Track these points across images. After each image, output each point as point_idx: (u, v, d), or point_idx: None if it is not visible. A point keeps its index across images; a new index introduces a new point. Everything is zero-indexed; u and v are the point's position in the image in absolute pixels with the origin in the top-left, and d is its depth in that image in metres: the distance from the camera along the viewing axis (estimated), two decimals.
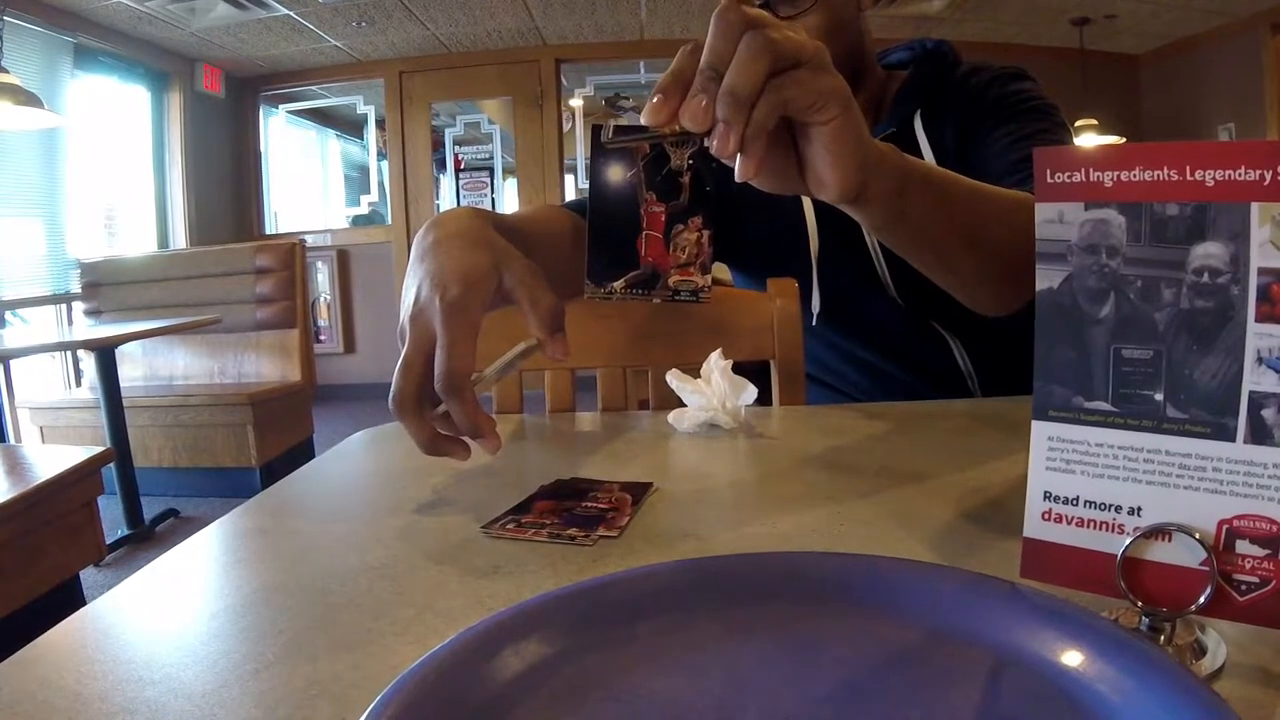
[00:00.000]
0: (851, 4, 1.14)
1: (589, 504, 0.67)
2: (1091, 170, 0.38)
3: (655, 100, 0.54)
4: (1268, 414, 0.35)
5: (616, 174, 0.59)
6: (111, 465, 3.09)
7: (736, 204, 1.24)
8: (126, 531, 3.47)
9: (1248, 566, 0.36)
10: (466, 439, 0.67)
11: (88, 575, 2.75)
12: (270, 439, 4.09)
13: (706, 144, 0.54)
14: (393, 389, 0.66)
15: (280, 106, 7.02)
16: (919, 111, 1.16)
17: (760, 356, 1.18)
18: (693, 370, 0.95)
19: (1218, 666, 0.38)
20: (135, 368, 4.38)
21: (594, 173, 0.59)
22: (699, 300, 0.57)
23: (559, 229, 1.01)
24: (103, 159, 5.50)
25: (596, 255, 0.60)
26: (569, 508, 0.67)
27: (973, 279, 0.82)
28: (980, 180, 1.09)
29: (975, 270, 0.82)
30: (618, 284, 0.59)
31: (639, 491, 0.70)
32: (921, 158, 1.14)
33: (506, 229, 0.78)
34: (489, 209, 0.80)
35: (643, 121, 0.55)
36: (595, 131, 0.58)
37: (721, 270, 1.36)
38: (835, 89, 0.56)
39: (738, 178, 0.56)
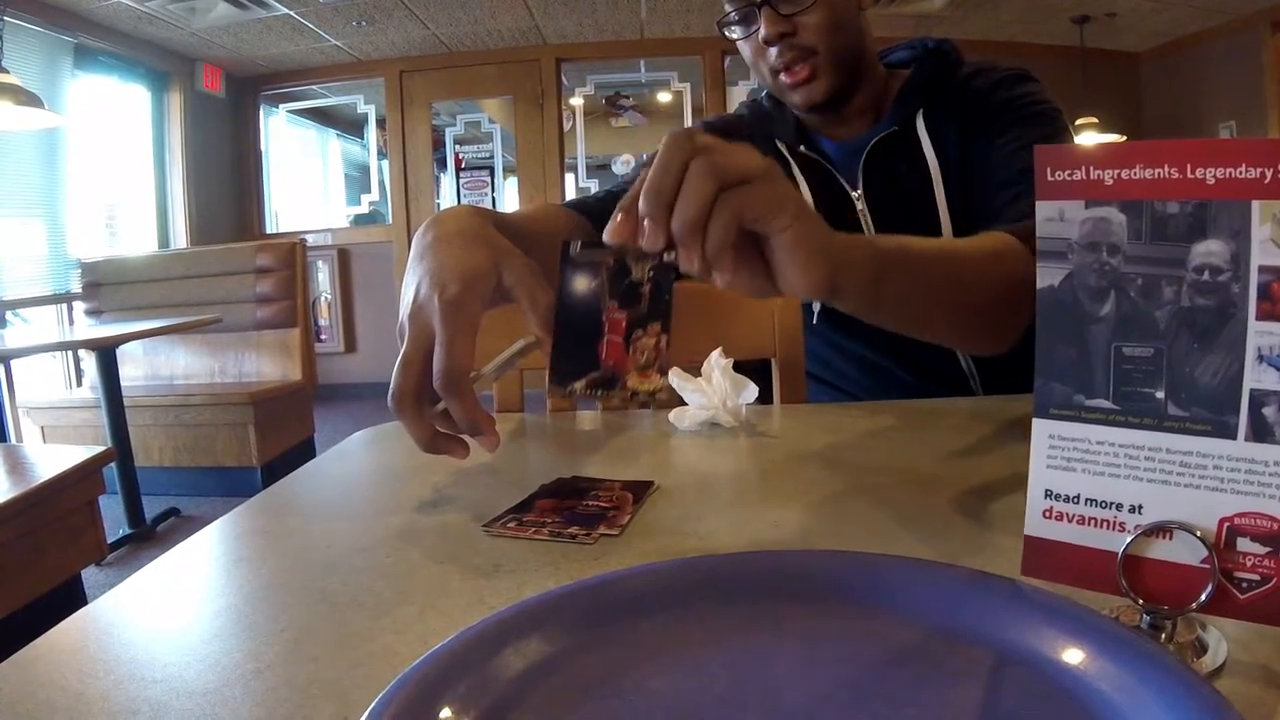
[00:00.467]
0: (852, 2, 1.14)
1: (590, 503, 0.67)
2: (1092, 168, 0.38)
3: (617, 219, 0.59)
4: (1268, 412, 0.35)
5: (582, 284, 0.63)
6: (113, 465, 3.08)
7: None
8: (128, 531, 3.47)
9: (1249, 564, 0.36)
10: (465, 437, 0.66)
11: (89, 575, 2.75)
12: (271, 438, 4.09)
13: (668, 259, 0.58)
14: (392, 386, 0.66)
15: (281, 106, 7.02)
16: (921, 111, 1.16)
17: (761, 355, 1.18)
18: (694, 369, 0.95)
19: (1219, 664, 0.38)
20: (136, 367, 4.38)
21: (562, 282, 0.64)
22: (654, 402, 0.61)
23: (559, 228, 1.01)
24: (103, 159, 5.49)
25: (561, 357, 0.63)
26: (570, 506, 0.67)
27: (959, 339, 0.86)
28: (985, 186, 1.09)
29: (962, 333, 0.85)
30: (579, 384, 0.62)
31: (640, 490, 0.70)
32: (924, 157, 1.14)
33: (507, 228, 0.78)
34: (489, 208, 0.81)
35: (605, 239, 0.60)
36: (565, 246, 0.63)
37: None
38: (785, 197, 0.59)
39: (719, 285, 0.59)
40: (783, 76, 1.13)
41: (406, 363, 0.65)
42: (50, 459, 2.38)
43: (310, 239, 6.36)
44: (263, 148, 6.92)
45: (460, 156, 6.90)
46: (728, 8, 1.14)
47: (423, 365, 0.65)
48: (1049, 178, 0.39)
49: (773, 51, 1.12)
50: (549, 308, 0.66)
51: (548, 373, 0.63)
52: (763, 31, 1.10)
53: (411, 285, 0.69)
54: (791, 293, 0.64)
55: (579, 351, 0.62)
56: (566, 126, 6.75)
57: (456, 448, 0.68)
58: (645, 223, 0.57)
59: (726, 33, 1.17)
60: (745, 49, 1.17)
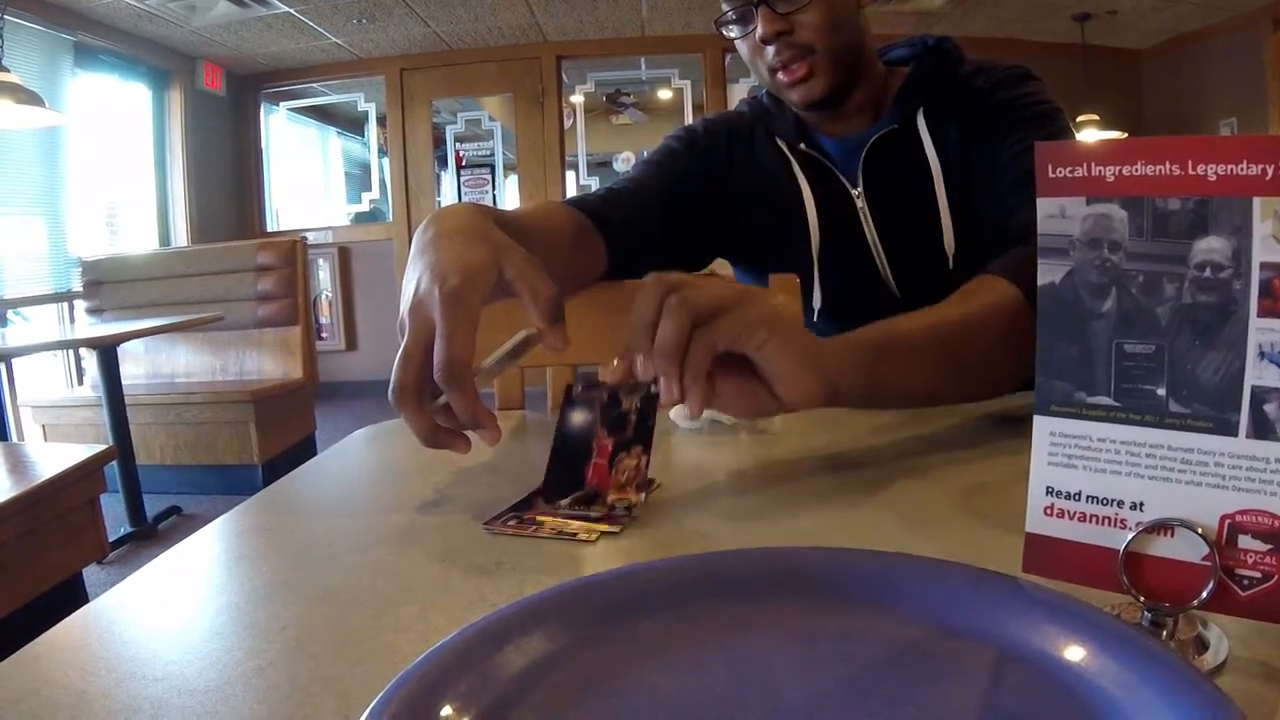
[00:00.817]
0: (850, 0, 1.14)
1: (591, 500, 0.67)
2: (1093, 165, 0.38)
3: (614, 363, 0.65)
4: (1270, 409, 0.35)
5: (579, 417, 0.73)
6: (114, 463, 3.09)
7: (739, 201, 1.24)
8: (129, 529, 3.47)
9: (1250, 561, 0.36)
10: (467, 431, 0.67)
11: (90, 573, 2.75)
12: (272, 436, 4.09)
13: (654, 390, 0.65)
14: (392, 380, 0.65)
15: (281, 104, 7.02)
16: (921, 109, 1.16)
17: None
18: None
19: (1220, 661, 0.38)
20: (137, 365, 4.38)
21: (562, 415, 0.74)
22: (631, 515, 0.65)
23: (559, 225, 1.01)
24: (104, 157, 5.50)
25: (552, 478, 0.70)
26: (571, 504, 0.67)
27: (966, 398, 0.89)
28: (988, 189, 1.09)
29: (968, 396, 0.88)
30: (564, 501, 0.67)
31: (641, 488, 0.70)
32: (924, 155, 1.14)
33: (507, 225, 0.78)
34: (490, 206, 0.81)
35: (602, 379, 0.70)
36: (568, 389, 0.75)
37: (724, 266, 1.36)
38: (758, 318, 0.64)
39: (691, 414, 0.64)
40: (780, 75, 1.13)
41: (407, 356, 0.65)
42: (51, 457, 2.38)
43: (311, 237, 6.36)
44: (263, 146, 6.92)
45: (461, 154, 6.91)
46: (725, 6, 1.14)
47: (423, 359, 0.64)
48: (1050, 174, 0.39)
49: (770, 50, 1.12)
50: (550, 300, 0.67)
51: (541, 486, 0.70)
52: (760, 30, 1.10)
53: (412, 280, 0.69)
54: (793, 405, 0.68)
55: (568, 475, 0.70)
56: (567, 124, 6.75)
57: (458, 442, 0.68)
58: (637, 358, 0.63)
59: (724, 32, 1.17)
60: (743, 48, 1.17)
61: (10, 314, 4.59)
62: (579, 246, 1.04)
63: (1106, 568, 0.39)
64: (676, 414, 0.93)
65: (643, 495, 0.66)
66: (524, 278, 0.68)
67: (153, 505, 3.67)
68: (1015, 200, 1.01)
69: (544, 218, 1.00)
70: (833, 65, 1.12)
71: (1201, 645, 0.39)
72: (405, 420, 0.66)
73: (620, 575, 0.46)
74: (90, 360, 4.12)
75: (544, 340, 0.67)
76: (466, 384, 0.63)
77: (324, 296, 6.78)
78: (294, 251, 4.35)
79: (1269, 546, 0.36)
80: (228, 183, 6.62)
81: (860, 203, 1.18)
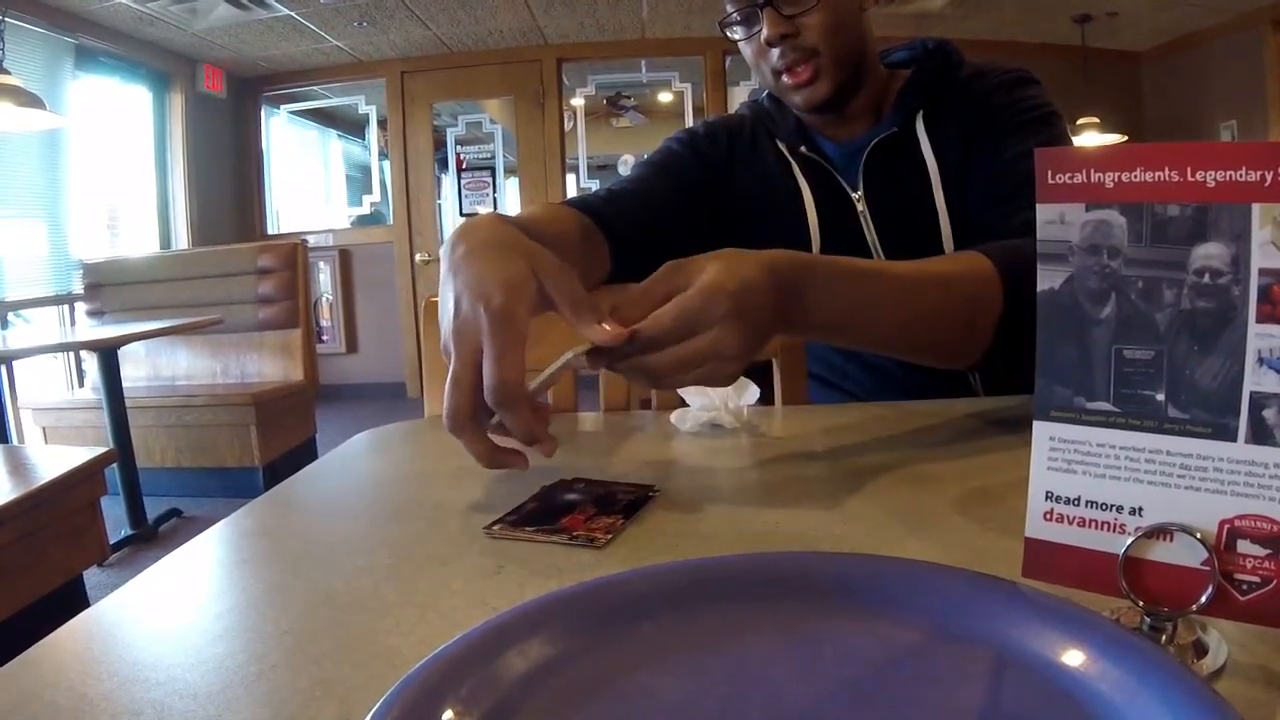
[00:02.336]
0: (854, 3, 1.14)
1: (591, 504, 0.67)
2: (1092, 171, 0.39)
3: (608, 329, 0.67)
4: (1269, 414, 0.35)
5: (569, 495, 0.71)
6: (114, 466, 3.09)
7: (739, 202, 1.24)
8: (130, 532, 3.47)
9: (1249, 566, 0.36)
10: (523, 446, 0.67)
11: (91, 575, 2.75)
12: (273, 439, 4.10)
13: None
14: (446, 406, 0.65)
15: (282, 107, 7.03)
16: (921, 113, 1.16)
17: (762, 355, 1.18)
18: None
19: (1219, 666, 0.38)
20: (138, 368, 4.38)
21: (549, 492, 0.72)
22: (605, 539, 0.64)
23: (568, 229, 1.01)
24: (105, 160, 5.50)
25: (525, 511, 0.68)
26: (571, 507, 0.67)
27: (910, 345, 0.88)
28: (986, 192, 1.09)
29: (912, 342, 0.87)
30: (530, 529, 0.64)
31: (641, 492, 0.70)
32: (922, 158, 1.14)
33: (525, 232, 0.78)
34: (505, 214, 0.82)
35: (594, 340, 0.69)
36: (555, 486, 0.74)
37: None
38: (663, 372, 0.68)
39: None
40: (785, 78, 1.13)
41: (457, 380, 0.65)
42: (52, 460, 2.38)
43: (311, 240, 6.37)
44: (264, 148, 6.93)
45: (461, 157, 6.91)
46: (729, 8, 1.14)
47: (474, 381, 0.64)
48: (1050, 180, 0.40)
49: (775, 52, 1.12)
50: (589, 306, 0.68)
51: (513, 512, 0.67)
52: (765, 33, 1.10)
53: (450, 300, 0.68)
54: (715, 286, 0.67)
55: (543, 514, 0.67)
56: (568, 127, 6.75)
57: (516, 460, 0.68)
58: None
59: (728, 33, 1.17)
60: (747, 49, 1.17)
61: (11, 316, 4.60)
62: (586, 249, 1.04)
63: (1106, 572, 0.39)
64: (677, 417, 0.93)
65: (610, 536, 0.62)
66: (561, 290, 0.68)
67: (153, 508, 3.67)
68: (1014, 205, 1.01)
69: (553, 221, 1.00)
70: (837, 68, 1.12)
71: (1200, 650, 0.39)
72: (464, 445, 0.66)
73: (622, 579, 0.46)
74: (91, 362, 4.12)
75: (590, 357, 0.68)
76: (521, 405, 0.63)
77: (324, 299, 6.78)
78: (295, 254, 4.36)
79: (1268, 551, 0.36)
80: (228, 185, 6.62)
81: (860, 206, 1.18)
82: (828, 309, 0.77)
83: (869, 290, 0.80)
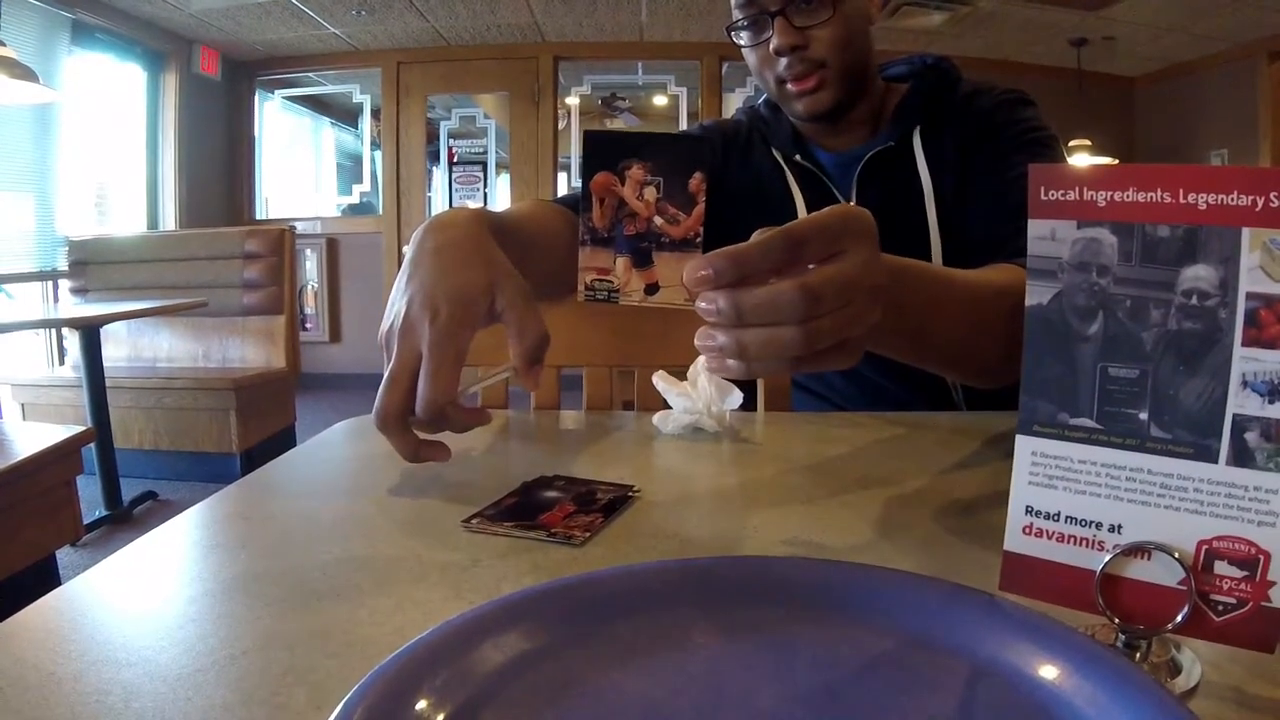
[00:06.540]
0: (863, 17, 1.14)
1: (571, 502, 0.67)
2: (1085, 189, 0.39)
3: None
4: (1250, 437, 0.36)
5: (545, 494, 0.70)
6: (92, 445, 3.07)
7: (732, 206, 1.24)
8: (104, 512, 3.44)
9: (1225, 587, 0.37)
10: (443, 438, 0.70)
11: (64, 555, 2.73)
12: (252, 425, 4.07)
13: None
14: (377, 404, 0.68)
15: (276, 92, 6.99)
16: (917, 128, 1.17)
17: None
18: (679, 373, 0.95)
19: (1192, 685, 0.38)
20: (119, 348, 4.35)
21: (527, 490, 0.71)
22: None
23: (554, 228, 1.01)
24: (96, 137, 5.46)
25: (501, 506, 0.67)
26: (550, 504, 0.67)
27: (980, 363, 0.84)
28: (981, 211, 1.09)
29: (983, 355, 0.83)
30: (509, 524, 0.63)
31: (621, 492, 0.70)
32: (917, 173, 1.15)
33: (505, 230, 0.78)
34: (487, 209, 0.81)
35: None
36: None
37: None
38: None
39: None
40: (790, 85, 1.13)
41: (393, 381, 0.67)
42: (29, 437, 2.37)
43: (299, 227, 6.31)
44: (256, 133, 6.89)
45: (454, 151, 6.89)
46: (738, 14, 1.14)
47: (409, 384, 0.67)
48: (1042, 197, 0.40)
49: (782, 61, 1.12)
50: (535, 342, 0.70)
51: (489, 508, 0.67)
52: (774, 42, 1.10)
53: (403, 295, 0.70)
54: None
55: (521, 510, 0.66)
56: (561, 125, 6.74)
57: (439, 453, 0.71)
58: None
59: (735, 38, 1.17)
60: (751, 56, 1.17)
61: None
62: (572, 248, 1.04)
63: (1083, 588, 0.39)
64: (659, 419, 0.93)
65: (588, 534, 0.61)
66: (514, 310, 0.69)
67: (129, 489, 3.65)
68: (1013, 226, 1.01)
69: (539, 220, 1.00)
70: (842, 80, 1.13)
71: (1174, 669, 0.39)
72: (390, 441, 0.69)
73: (599, 577, 0.46)
74: (72, 340, 4.09)
75: (522, 380, 0.70)
76: (443, 421, 0.67)
77: (310, 287, 6.74)
78: (282, 240, 4.33)
79: (1244, 573, 0.36)
80: (218, 168, 6.58)
81: None
82: (914, 304, 0.71)
83: (946, 292, 0.77)
